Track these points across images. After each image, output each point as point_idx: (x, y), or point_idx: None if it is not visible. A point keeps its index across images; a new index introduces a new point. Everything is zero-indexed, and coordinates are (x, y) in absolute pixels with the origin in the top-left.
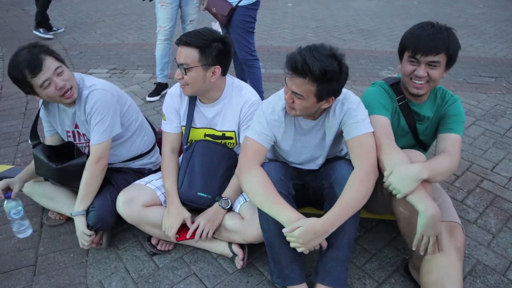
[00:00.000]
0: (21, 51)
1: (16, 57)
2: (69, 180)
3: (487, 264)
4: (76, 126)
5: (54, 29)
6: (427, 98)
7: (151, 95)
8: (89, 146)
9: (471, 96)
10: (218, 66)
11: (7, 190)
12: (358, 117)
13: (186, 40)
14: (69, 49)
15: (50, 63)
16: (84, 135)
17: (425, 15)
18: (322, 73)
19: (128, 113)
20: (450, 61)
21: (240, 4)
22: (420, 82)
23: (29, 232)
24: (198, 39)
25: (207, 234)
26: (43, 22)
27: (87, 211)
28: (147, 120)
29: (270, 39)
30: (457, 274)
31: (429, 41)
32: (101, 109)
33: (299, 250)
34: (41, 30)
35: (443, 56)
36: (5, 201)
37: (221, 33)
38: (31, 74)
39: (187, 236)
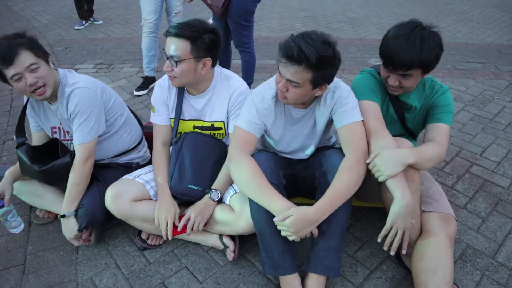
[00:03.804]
0: (2, 40)
1: None
2: (53, 180)
3: (477, 248)
4: (61, 123)
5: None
6: (415, 89)
7: (138, 89)
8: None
9: (459, 82)
10: (209, 58)
11: None
12: (349, 106)
13: (176, 31)
14: (54, 45)
15: (24, 58)
16: (68, 132)
17: (413, 2)
18: (318, 59)
19: (113, 109)
20: (426, 71)
21: None
22: (392, 88)
23: (22, 226)
24: (189, 30)
25: (198, 226)
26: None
27: (76, 209)
28: (134, 114)
29: (258, 29)
30: (448, 261)
31: (399, 57)
32: (84, 108)
33: (290, 238)
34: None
35: (415, 70)
36: None
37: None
38: (2, 65)
39: (178, 229)
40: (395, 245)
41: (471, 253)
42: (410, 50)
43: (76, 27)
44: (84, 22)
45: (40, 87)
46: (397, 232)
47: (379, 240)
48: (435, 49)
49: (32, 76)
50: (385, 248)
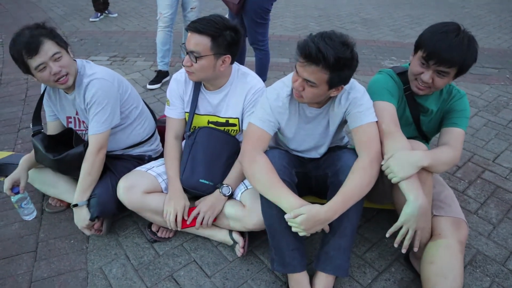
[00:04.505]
0: (24, 30)
1: (18, 36)
2: (66, 169)
3: (487, 254)
4: (77, 113)
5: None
6: (433, 92)
7: (151, 83)
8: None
9: (474, 87)
10: (229, 55)
11: (13, 185)
12: (363, 107)
13: (198, 26)
14: (69, 36)
15: (48, 48)
16: (83, 122)
17: (428, 5)
18: (336, 60)
19: (129, 101)
20: (460, 73)
21: None
22: (422, 85)
23: (35, 213)
24: (211, 27)
25: (208, 220)
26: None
27: (88, 199)
28: (148, 107)
29: (272, 27)
30: (459, 265)
31: (447, 52)
32: (101, 99)
33: (300, 234)
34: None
35: (455, 68)
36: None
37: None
38: (27, 55)
39: (188, 223)
40: (406, 243)
41: (481, 259)
42: (459, 46)
43: (91, 19)
44: (99, 14)
45: (63, 75)
46: (408, 230)
47: (387, 235)
48: (475, 54)
49: (56, 65)
50: (396, 245)
